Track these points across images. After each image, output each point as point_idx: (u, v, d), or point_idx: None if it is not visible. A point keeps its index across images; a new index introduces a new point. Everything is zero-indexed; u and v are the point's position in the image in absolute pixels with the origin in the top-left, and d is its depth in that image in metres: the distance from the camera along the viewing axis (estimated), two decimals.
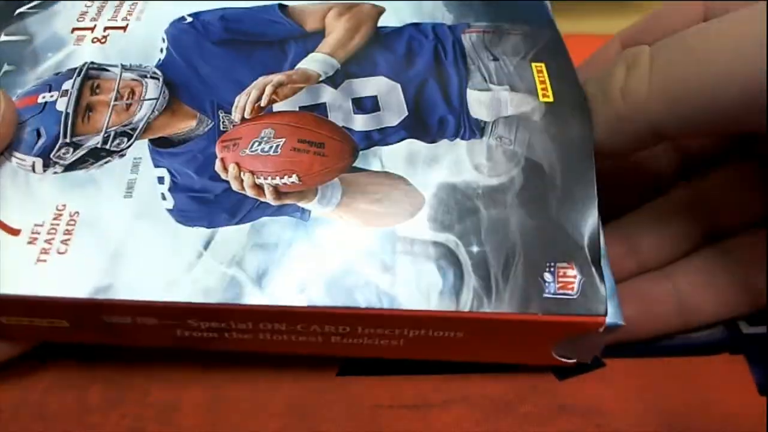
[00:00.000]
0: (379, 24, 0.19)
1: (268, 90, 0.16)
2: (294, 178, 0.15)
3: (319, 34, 0.18)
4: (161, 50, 0.18)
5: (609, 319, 0.15)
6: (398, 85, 0.17)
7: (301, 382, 0.18)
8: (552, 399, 0.18)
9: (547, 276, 0.15)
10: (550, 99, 0.16)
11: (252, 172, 0.15)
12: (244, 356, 0.19)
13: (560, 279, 0.15)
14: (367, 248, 0.15)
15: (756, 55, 0.14)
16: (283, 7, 0.19)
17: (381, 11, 0.19)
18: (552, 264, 0.15)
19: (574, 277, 0.15)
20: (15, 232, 0.15)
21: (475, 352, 0.16)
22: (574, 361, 0.17)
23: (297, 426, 0.17)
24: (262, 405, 0.18)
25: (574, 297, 0.15)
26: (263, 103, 0.16)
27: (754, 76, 0.14)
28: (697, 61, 0.15)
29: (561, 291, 0.15)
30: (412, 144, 0.16)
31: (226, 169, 0.16)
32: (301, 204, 0.15)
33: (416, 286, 0.15)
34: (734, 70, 0.14)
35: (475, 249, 0.15)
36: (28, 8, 0.20)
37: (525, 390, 0.18)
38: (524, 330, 0.15)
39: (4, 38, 0.19)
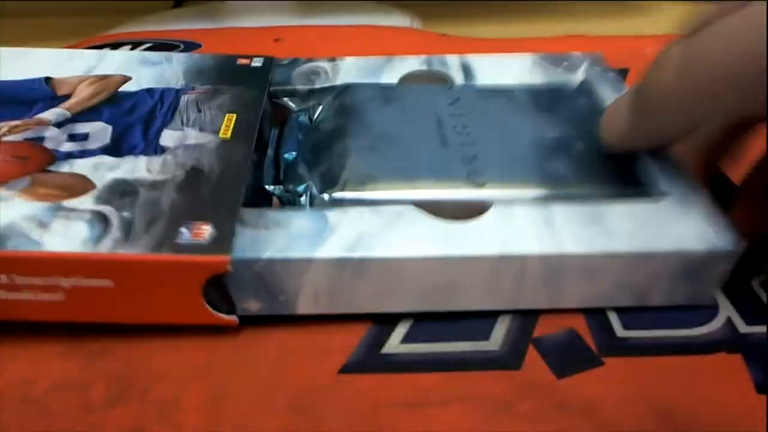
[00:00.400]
0: (123, 89, 0.25)
1: (4, 127, 0.23)
2: None
3: (68, 97, 0.25)
4: None
5: (729, 246, 0.19)
6: (110, 127, 0.23)
7: (301, 381, 0.19)
8: (551, 398, 0.18)
9: (183, 229, 0.18)
10: (228, 137, 0.22)
11: None
12: (244, 356, 0.19)
13: (194, 231, 0.18)
14: (31, 213, 0.19)
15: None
16: (48, 79, 0.26)
17: (126, 80, 0.26)
18: (190, 222, 0.19)
19: (207, 230, 0.19)
20: None
21: (134, 309, 0.19)
22: (234, 318, 0.20)
23: (297, 426, 0.17)
24: (262, 405, 0.18)
25: (203, 243, 0.18)
26: None
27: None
28: (719, 40, 0.17)
29: (193, 239, 0.18)
30: (101, 158, 0.21)
31: None
32: None
33: (63, 236, 0.18)
34: (751, 50, 0.16)
35: (125, 214, 0.19)
36: None
37: (524, 389, 0.18)
38: (161, 271, 0.18)
39: None
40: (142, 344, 0.20)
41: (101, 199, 0.20)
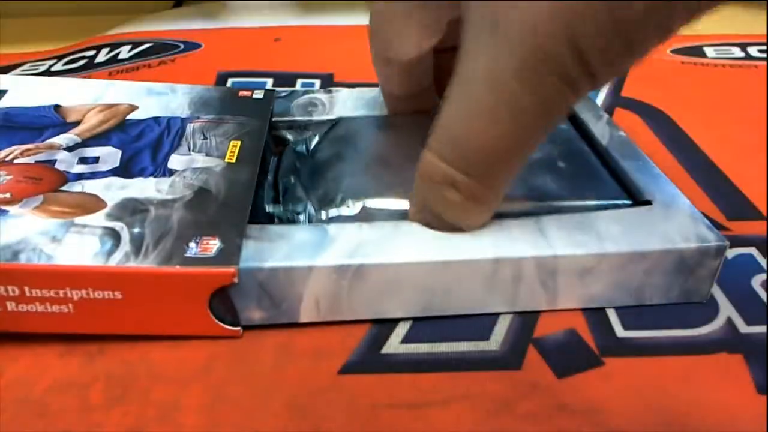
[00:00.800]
0: (130, 117, 0.26)
1: (17, 150, 0.24)
2: (8, 195, 0.21)
3: (77, 124, 0.26)
4: None
5: (716, 242, 0.20)
6: (119, 151, 0.24)
7: (301, 381, 0.19)
8: (551, 398, 0.18)
9: (192, 244, 0.19)
10: (233, 161, 0.23)
11: None
12: (244, 356, 0.19)
13: (202, 245, 0.19)
14: (44, 229, 0.20)
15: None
16: (57, 107, 0.27)
17: (133, 109, 0.27)
18: (198, 237, 0.19)
19: (215, 244, 0.19)
20: None
21: (141, 320, 0.19)
22: (238, 329, 0.20)
23: (297, 426, 0.17)
24: (262, 405, 0.18)
25: (211, 256, 0.19)
26: (9, 157, 0.23)
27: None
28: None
29: (201, 253, 0.19)
30: (112, 179, 0.22)
31: None
32: (4, 207, 0.21)
33: (75, 250, 0.19)
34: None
35: (136, 230, 0.20)
36: None
37: (525, 389, 0.18)
38: (170, 284, 0.19)
39: None
40: (142, 345, 0.20)
41: (113, 216, 0.20)
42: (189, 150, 0.24)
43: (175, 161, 0.23)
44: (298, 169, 0.25)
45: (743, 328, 0.20)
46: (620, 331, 0.20)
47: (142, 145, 0.24)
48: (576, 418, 0.18)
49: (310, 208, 0.22)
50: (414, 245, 0.20)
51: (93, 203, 0.21)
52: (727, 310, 0.21)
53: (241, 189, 0.22)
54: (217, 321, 0.19)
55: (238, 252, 0.19)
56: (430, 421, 0.18)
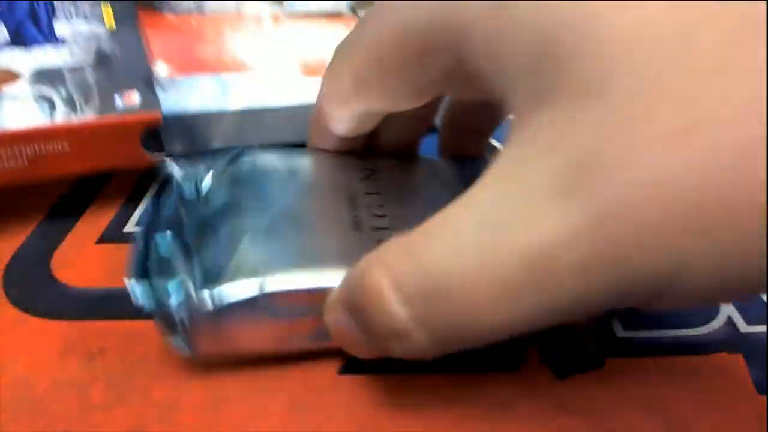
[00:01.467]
0: None
1: None
2: None
3: None
4: None
5: None
6: (1, 23, 0.25)
7: (301, 381, 0.19)
8: (551, 398, 0.18)
9: (117, 98, 0.23)
10: (113, 27, 0.26)
11: None
12: (244, 356, 0.19)
13: (125, 99, 0.23)
14: None
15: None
16: None
17: None
18: (120, 91, 0.23)
19: (136, 96, 0.23)
20: None
21: (86, 163, 0.23)
22: (164, 157, 0.23)
23: (297, 426, 0.17)
24: (262, 405, 0.18)
25: (137, 106, 0.23)
26: None
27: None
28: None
29: (126, 105, 0.23)
30: (11, 51, 0.24)
31: None
32: None
33: (19, 114, 0.21)
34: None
35: (63, 93, 0.22)
36: None
37: (524, 389, 0.18)
38: (107, 131, 0.22)
39: None
40: (142, 344, 0.20)
41: (36, 84, 0.23)
42: (66, 17, 0.26)
43: (60, 29, 0.26)
44: (181, 221, 0.19)
45: (743, 327, 0.20)
46: (620, 331, 0.20)
47: (20, 16, 0.26)
48: (576, 418, 0.18)
49: (189, 286, 0.17)
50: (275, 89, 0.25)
51: (7, 75, 0.23)
52: (727, 309, 0.21)
53: (134, 51, 0.26)
54: (149, 153, 0.24)
55: (158, 101, 0.23)
56: (429, 421, 0.18)
